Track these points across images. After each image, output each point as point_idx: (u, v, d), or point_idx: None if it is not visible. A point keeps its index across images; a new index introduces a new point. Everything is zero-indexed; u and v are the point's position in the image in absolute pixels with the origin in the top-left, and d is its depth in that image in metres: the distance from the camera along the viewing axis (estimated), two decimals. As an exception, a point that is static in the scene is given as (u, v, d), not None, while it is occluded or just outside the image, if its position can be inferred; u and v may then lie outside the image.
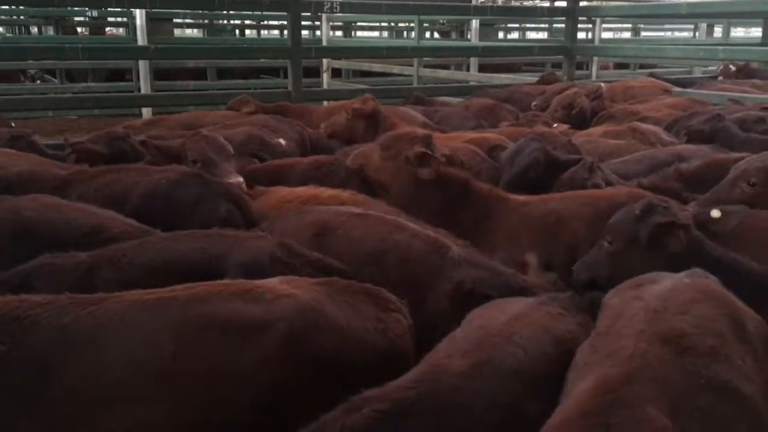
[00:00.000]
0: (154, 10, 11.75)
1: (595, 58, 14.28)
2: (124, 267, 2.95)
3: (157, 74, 13.53)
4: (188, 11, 16.60)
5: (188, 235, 3.17)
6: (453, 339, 2.44)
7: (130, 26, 16.05)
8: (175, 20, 17.79)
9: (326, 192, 4.21)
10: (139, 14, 11.69)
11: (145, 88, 11.45)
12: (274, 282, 2.57)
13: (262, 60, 15.00)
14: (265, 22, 21.84)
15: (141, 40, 11.50)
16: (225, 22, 19.74)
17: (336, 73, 15.30)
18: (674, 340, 2.10)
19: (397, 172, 4.25)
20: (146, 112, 10.66)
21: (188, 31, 22.12)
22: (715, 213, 3.26)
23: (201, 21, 19.37)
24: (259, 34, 23.09)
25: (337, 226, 3.41)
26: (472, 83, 12.18)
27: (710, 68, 13.36)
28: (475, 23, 14.67)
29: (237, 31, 20.63)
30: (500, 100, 8.77)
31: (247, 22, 21.00)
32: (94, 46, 11.47)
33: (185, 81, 14.26)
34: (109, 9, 16.11)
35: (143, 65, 11.50)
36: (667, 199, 3.29)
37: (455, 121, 7.54)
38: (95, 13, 17.07)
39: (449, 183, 4.18)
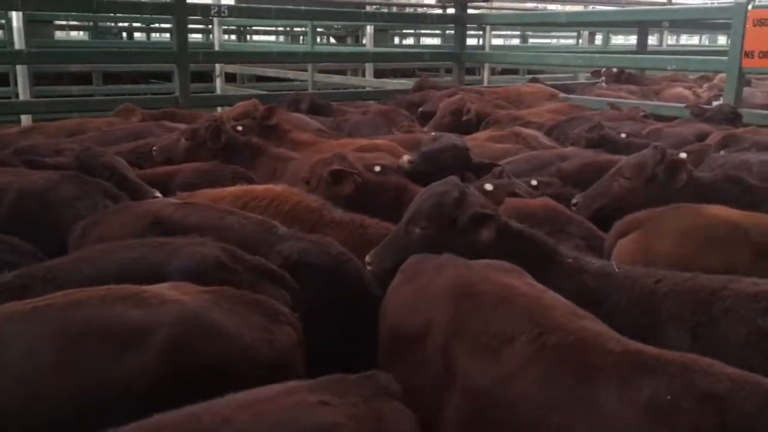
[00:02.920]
0: (33, 12, 11.17)
1: (486, 64, 14.77)
2: (61, 284, 2.77)
3: (40, 79, 12.87)
4: (71, 13, 15.85)
5: (125, 246, 3.08)
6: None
7: (6, 28, 15.16)
8: (58, 22, 16.95)
9: (258, 187, 4.32)
10: (16, 16, 11.05)
11: (23, 93, 10.83)
12: (162, 287, 2.52)
13: (151, 64, 14.55)
14: (156, 25, 21.17)
15: (18, 43, 10.87)
16: (111, 24, 18.97)
17: (231, 77, 15.06)
18: None
19: (327, 197, 4.34)
20: (26, 119, 10.10)
21: (73, 34, 21.10)
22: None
23: (86, 23, 18.52)
24: (148, 37, 22.33)
25: (170, 214, 3.54)
26: (367, 89, 12.31)
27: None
28: (369, 29, 14.84)
29: (124, 34, 19.86)
30: (414, 104, 8.93)
31: (135, 24, 20.28)
32: (-36, 49, 10.80)
33: (68, 87, 13.61)
34: (-18, 10, 15.14)
35: (21, 69, 10.85)
36: (476, 188, 3.49)
37: (367, 129, 7.58)
38: (-32, 15, 16.01)
39: (384, 190, 4.48)
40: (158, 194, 4.44)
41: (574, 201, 4.36)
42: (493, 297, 2.54)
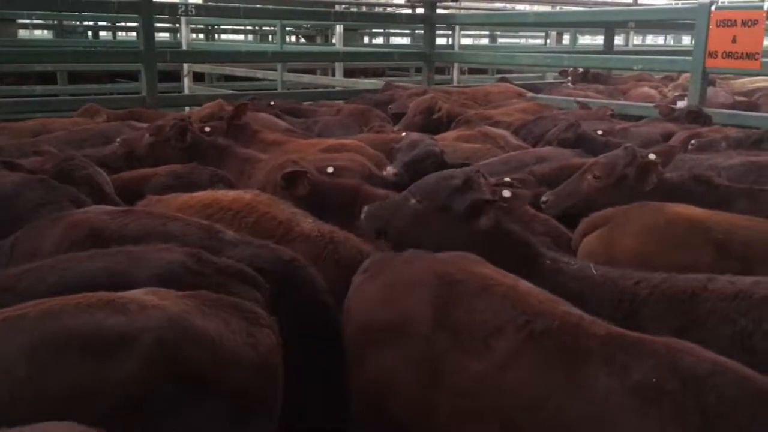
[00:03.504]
0: (-5, 10, 10.94)
1: (456, 64, 14.84)
2: (22, 295, 2.60)
3: (2, 78, 12.61)
4: (35, 12, 15.55)
5: (90, 256, 2.95)
6: None
7: (-33, 27, 14.83)
8: (21, 21, 16.63)
9: (228, 194, 4.13)
10: (-23, 14, 10.85)
11: (-15, 93, 10.64)
12: (138, 293, 2.45)
13: (118, 64, 14.34)
14: (122, 24, 20.87)
15: (-21, 42, 10.68)
16: (77, 23, 18.65)
17: (199, 77, 14.90)
18: None
19: (285, 197, 4.28)
20: (-12, 120, 9.89)
21: (37, 33, 20.71)
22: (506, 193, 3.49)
23: (50, 22, 18.19)
24: (114, 36, 22.02)
25: (107, 224, 3.36)
26: (337, 88, 12.28)
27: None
28: (339, 28, 14.81)
29: (90, 33, 19.54)
30: (382, 103, 8.91)
31: (101, 23, 19.96)
32: (-77, 48, 10.51)
33: (32, 86, 13.35)
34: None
35: (-18, 69, 10.68)
36: (485, 174, 3.46)
37: (336, 129, 7.54)
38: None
39: (338, 191, 4.43)
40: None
41: (543, 199, 4.37)
42: (474, 286, 2.56)
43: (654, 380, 2.12)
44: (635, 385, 2.14)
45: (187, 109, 9.51)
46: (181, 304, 2.42)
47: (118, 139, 5.53)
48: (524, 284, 2.64)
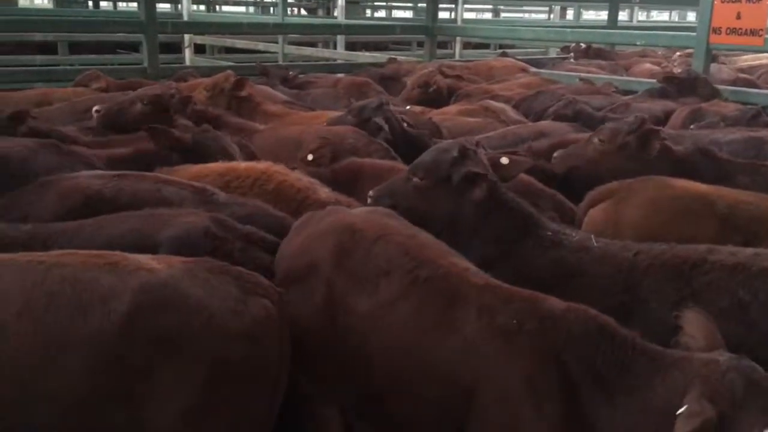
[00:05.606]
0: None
1: (458, 38, 14.73)
2: (60, 247, 2.87)
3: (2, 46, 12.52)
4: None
5: (124, 216, 3.19)
6: None
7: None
8: (21, -10, 16.52)
9: (240, 164, 4.20)
10: (-24, -17, 10.75)
11: (-15, 63, 10.58)
12: (145, 257, 2.56)
13: (119, 34, 14.25)
14: (122, -6, 20.75)
15: (-21, 10, 10.60)
16: (77, -7, 18.51)
17: (200, 49, 14.80)
18: None
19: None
20: (-13, 89, 9.86)
21: (37, 1, 20.59)
22: (504, 160, 3.54)
23: (50, -9, 18.07)
24: (115, 6, 21.86)
25: (100, 188, 3.51)
26: (338, 61, 12.21)
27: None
28: (340, 1, 14.67)
29: (90, 3, 19.40)
30: (386, 77, 8.87)
31: (101, -7, 19.83)
32: None
33: (31, 56, 13.26)
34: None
35: (-19, 38, 10.61)
36: (480, 147, 3.56)
37: (326, 101, 7.54)
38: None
39: (341, 172, 4.46)
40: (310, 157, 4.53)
41: (555, 154, 4.55)
42: (372, 234, 2.76)
43: (515, 321, 2.40)
44: (499, 326, 2.41)
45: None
46: (174, 268, 2.48)
47: (95, 109, 5.32)
48: (423, 236, 2.87)
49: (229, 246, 3.00)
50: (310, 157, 4.61)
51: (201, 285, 2.46)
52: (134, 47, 15.22)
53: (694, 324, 2.36)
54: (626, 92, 8.00)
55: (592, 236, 3.27)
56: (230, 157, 4.42)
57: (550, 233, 3.23)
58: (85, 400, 2.29)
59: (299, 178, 4.05)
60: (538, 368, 2.31)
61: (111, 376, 2.29)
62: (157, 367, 2.31)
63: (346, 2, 14.83)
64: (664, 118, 6.28)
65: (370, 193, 3.47)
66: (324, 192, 3.93)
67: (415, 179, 3.36)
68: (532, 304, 2.47)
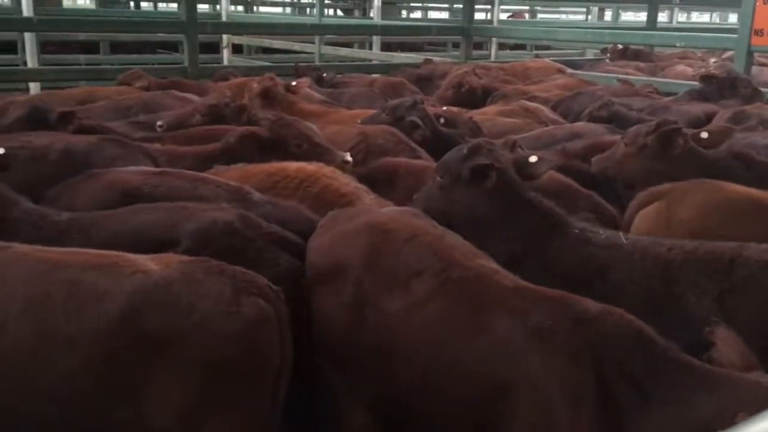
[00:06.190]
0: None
1: (494, 39, 14.68)
2: (92, 234, 3.07)
3: (45, 47, 12.83)
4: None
5: (152, 207, 3.28)
6: None
7: (15, -4, 15.08)
8: (65, -10, 16.91)
9: (292, 165, 4.21)
10: (23, -17, 11.02)
11: (31, 61, 10.84)
12: (144, 258, 2.58)
13: (159, 34, 14.53)
14: (163, -5, 21.11)
15: (26, 10, 10.85)
16: (119, -6, 18.91)
17: (238, 49, 15.00)
18: None
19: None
20: (34, 87, 10.12)
21: (80, 2, 21.05)
22: (533, 158, 3.61)
23: (93, -8, 18.47)
24: (155, 7, 22.25)
25: (139, 185, 3.61)
26: (374, 62, 12.27)
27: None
28: (377, 2, 14.73)
29: (132, 4, 19.78)
30: (422, 77, 8.90)
31: (143, -6, 20.21)
32: (-27, 16, 10.77)
33: (76, 55, 13.59)
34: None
35: (29, 37, 10.82)
36: (494, 142, 3.63)
37: (362, 101, 7.57)
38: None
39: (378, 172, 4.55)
40: (349, 157, 4.57)
41: (593, 159, 4.62)
42: (403, 235, 2.80)
43: (549, 322, 2.40)
44: (532, 326, 2.41)
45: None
46: (169, 269, 2.50)
47: (159, 123, 5.50)
48: (451, 237, 2.91)
49: (247, 244, 3.00)
50: (348, 157, 4.64)
51: (194, 286, 2.46)
52: (173, 47, 15.52)
53: (726, 341, 2.35)
54: (666, 94, 7.91)
55: (621, 234, 3.28)
56: (307, 140, 4.56)
57: (576, 231, 3.24)
58: (85, 400, 2.37)
59: (346, 182, 4.02)
60: (574, 368, 2.31)
61: (108, 377, 2.35)
62: (152, 368, 2.36)
63: (383, 3, 14.90)
64: (706, 120, 6.20)
65: (414, 196, 3.54)
66: (369, 198, 3.89)
67: (438, 179, 3.44)
68: (566, 305, 2.47)
